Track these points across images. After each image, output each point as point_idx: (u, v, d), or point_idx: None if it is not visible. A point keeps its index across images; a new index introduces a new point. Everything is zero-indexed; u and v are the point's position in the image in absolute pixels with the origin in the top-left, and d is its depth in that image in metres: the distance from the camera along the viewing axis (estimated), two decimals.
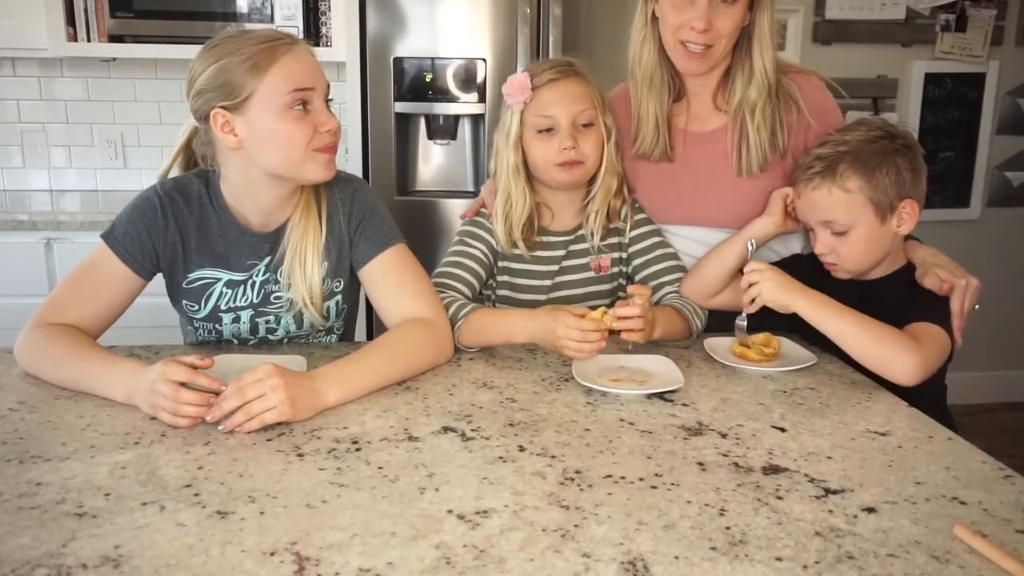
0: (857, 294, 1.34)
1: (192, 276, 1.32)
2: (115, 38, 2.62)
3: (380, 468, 0.94)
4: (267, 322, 1.36)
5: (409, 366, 1.23)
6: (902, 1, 2.99)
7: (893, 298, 1.32)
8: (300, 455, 0.97)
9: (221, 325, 1.35)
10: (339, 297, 1.38)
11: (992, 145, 3.18)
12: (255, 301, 1.34)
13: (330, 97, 1.27)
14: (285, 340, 1.40)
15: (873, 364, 1.22)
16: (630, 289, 1.33)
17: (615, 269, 1.52)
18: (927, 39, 3.04)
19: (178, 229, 1.30)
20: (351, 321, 1.50)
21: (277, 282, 1.33)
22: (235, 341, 1.38)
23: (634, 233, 1.52)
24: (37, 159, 2.95)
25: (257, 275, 1.33)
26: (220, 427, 1.02)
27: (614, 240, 1.52)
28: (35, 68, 2.87)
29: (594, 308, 1.25)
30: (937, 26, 3.03)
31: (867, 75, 3.03)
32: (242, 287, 1.33)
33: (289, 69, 1.21)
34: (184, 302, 1.34)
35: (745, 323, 1.35)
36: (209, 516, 0.83)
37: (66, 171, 2.97)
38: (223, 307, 1.34)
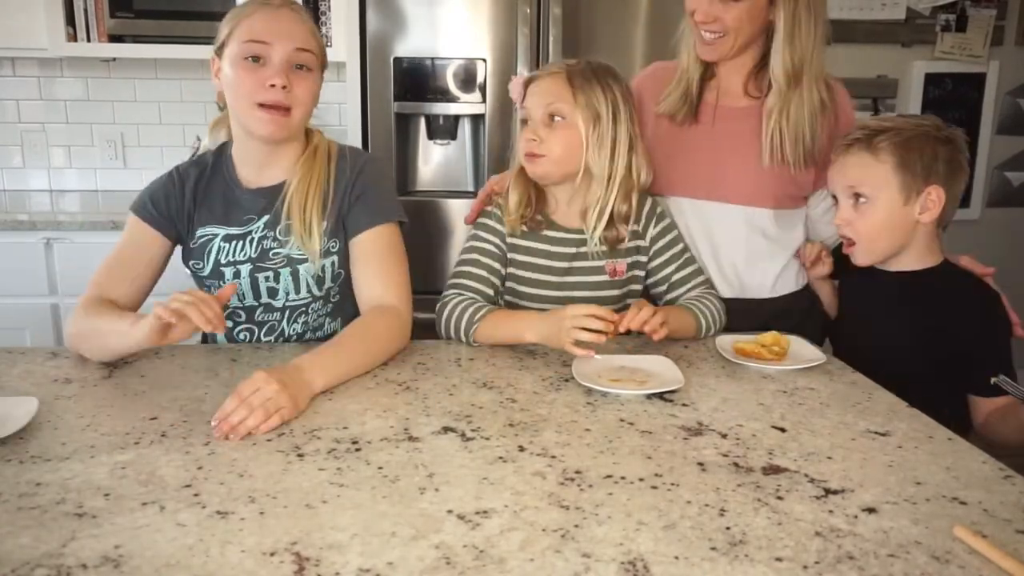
0: (896, 285, 1.39)
1: (197, 235, 1.39)
2: (115, 38, 2.62)
3: (380, 468, 0.94)
4: (267, 279, 1.38)
5: (380, 353, 1.28)
6: (902, 1, 2.99)
7: (931, 293, 1.36)
8: (300, 455, 0.97)
9: (224, 281, 1.38)
10: (335, 258, 1.39)
11: (992, 145, 3.18)
12: (253, 256, 1.38)
13: (300, 63, 1.30)
14: (285, 308, 1.41)
15: None
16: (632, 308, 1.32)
17: (630, 274, 1.51)
18: (927, 39, 3.05)
19: (191, 194, 1.39)
20: (349, 292, 1.46)
21: (276, 239, 1.36)
22: (241, 306, 1.41)
23: (658, 242, 1.51)
24: (37, 159, 2.95)
25: (256, 232, 1.38)
26: (230, 437, 1.01)
27: (632, 244, 1.50)
28: (35, 68, 2.87)
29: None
30: (937, 26, 3.03)
31: (867, 75, 3.03)
32: (240, 242, 1.38)
33: (253, 20, 1.28)
34: (191, 262, 1.41)
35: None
36: (209, 516, 0.83)
37: (66, 171, 2.97)
38: (223, 261, 1.38)
